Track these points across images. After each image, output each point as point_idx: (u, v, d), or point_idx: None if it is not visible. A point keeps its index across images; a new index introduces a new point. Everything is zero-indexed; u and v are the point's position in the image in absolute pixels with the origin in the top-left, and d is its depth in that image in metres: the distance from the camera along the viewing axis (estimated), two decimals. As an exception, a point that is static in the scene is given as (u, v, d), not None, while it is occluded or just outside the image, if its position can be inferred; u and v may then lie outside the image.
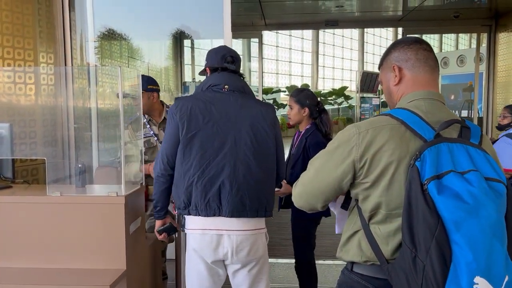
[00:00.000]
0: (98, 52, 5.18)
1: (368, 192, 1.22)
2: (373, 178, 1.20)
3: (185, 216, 1.95)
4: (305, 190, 1.32)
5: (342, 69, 32.57)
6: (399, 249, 1.16)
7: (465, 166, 1.10)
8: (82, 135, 3.98)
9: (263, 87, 9.12)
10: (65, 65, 3.75)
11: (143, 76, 2.88)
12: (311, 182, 1.31)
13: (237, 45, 14.91)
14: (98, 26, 4.82)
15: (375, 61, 31.28)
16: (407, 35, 1.37)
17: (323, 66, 30.98)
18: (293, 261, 2.96)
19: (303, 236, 2.83)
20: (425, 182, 1.07)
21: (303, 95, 2.84)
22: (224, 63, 2.05)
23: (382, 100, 15.27)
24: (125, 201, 1.96)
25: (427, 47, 1.32)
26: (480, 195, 1.05)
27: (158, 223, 2.12)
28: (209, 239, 1.91)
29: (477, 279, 1.00)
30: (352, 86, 29.11)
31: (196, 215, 1.92)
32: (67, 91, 3.72)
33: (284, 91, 23.51)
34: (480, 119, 8.28)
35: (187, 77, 7.14)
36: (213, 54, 2.11)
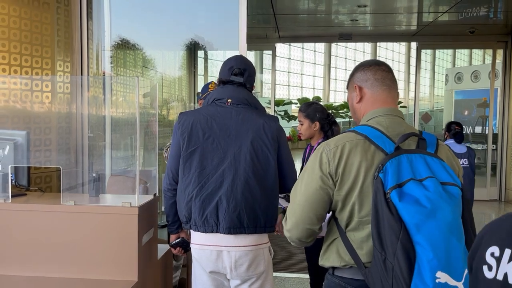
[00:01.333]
0: (113, 61, 5.24)
1: (343, 202, 1.34)
2: (346, 189, 1.32)
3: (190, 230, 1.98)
4: (300, 217, 1.38)
5: (354, 82, 32.46)
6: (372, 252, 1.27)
7: (423, 174, 1.23)
8: (96, 144, 4.01)
9: (275, 99, 9.12)
10: (81, 74, 3.79)
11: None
12: (302, 207, 1.37)
13: (249, 57, 15.01)
14: (113, 36, 4.88)
15: (387, 75, 31.15)
16: (371, 59, 1.50)
17: (335, 79, 30.97)
18: (302, 275, 2.91)
19: (317, 250, 2.79)
20: (388, 191, 1.20)
21: (312, 109, 2.80)
22: (230, 75, 2.02)
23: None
24: (139, 212, 1.95)
25: (386, 68, 1.46)
26: (436, 198, 1.18)
27: (171, 238, 2.13)
28: (209, 254, 1.92)
29: (439, 273, 1.12)
30: (364, 99, 28.92)
31: (195, 231, 1.93)
32: (82, 99, 3.76)
33: (296, 103, 23.50)
34: (495, 135, 8.17)
35: (200, 88, 7.18)
36: (223, 65, 2.09)
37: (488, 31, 7.77)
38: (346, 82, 1.58)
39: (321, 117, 2.78)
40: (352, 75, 1.51)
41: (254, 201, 1.89)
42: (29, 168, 2.16)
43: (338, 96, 30.34)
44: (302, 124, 2.81)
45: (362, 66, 1.49)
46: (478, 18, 6.82)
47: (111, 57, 5.08)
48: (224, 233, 1.88)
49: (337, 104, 25.68)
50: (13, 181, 2.11)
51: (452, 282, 1.13)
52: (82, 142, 3.85)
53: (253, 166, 1.90)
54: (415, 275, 1.14)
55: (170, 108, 6.89)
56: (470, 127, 10.76)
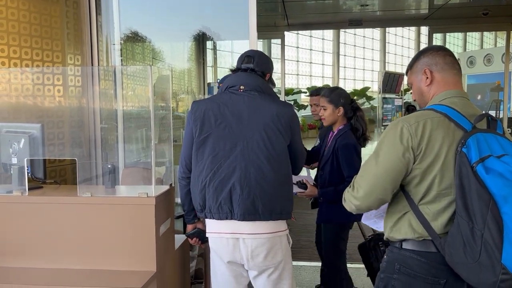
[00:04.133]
0: (122, 54, 5.22)
1: (422, 176, 1.40)
2: (428, 163, 1.39)
3: (205, 219, 1.99)
4: (374, 186, 1.43)
5: (364, 69, 32.20)
6: (448, 223, 1.38)
7: (498, 152, 1.32)
8: (109, 136, 4.01)
9: (285, 88, 9.07)
10: (92, 66, 3.79)
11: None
12: (379, 178, 1.43)
13: (258, 46, 14.90)
14: (122, 28, 4.85)
15: (397, 61, 30.81)
16: (432, 44, 1.59)
17: (344, 67, 30.69)
18: (319, 264, 2.90)
19: (332, 240, 2.76)
20: (474, 165, 1.29)
21: (336, 94, 2.74)
22: (241, 63, 2.06)
23: (404, 101, 15.01)
24: (155, 202, 1.93)
25: (452, 54, 1.56)
26: None
27: (188, 228, 2.13)
28: (226, 242, 1.92)
29: None
30: (374, 86, 28.73)
31: (211, 218, 1.94)
32: (93, 92, 3.75)
33: (305, 92, 23.37)
34: (510, 119, 8.04)
35: (210, 79, 7.14)
36: (238, 57, 2.15)
37: (502, 13, 7.58)
38: (408, 66, 1.64)
39: (345, 102, 2.73)
40: (417, 59, 1.58)
41: (268, 187, 1.87)
42: (44, 160, 2.16)
43: (347, 83, 30.09)
44: (325, 109, 2.74)
45: (430, 51, 1.56)
46: (492, -1, 6.67)
47: (120, 50, 5.07)
48: (239, 220, 1.87)
49: (347, 92, 25.43)
50: (29, 174, 2.11)
51: None
52: (95, 135, 3.85)
53: (267, 152, 1.88)
54: (505, 242, 1.22)
55: (180, 100, 6.88)
56: (484, 111, 10.63)
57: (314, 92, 3.53)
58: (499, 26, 8.49)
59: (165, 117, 2.49)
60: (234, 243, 1.90)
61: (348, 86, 29.35)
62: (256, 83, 1.99)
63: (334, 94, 2.74)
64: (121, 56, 5.16)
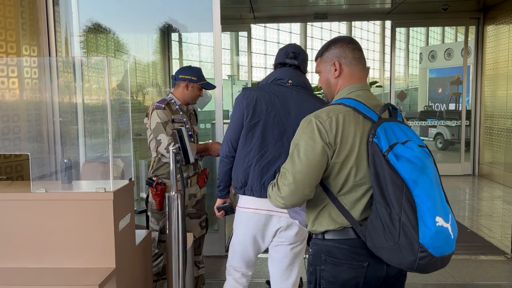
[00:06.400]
0: (84, 46, 5.06)
1: (340, 169, 1.46)
2: (344, 156, 1.45)
3: (240, 195, 2.19)
4: (298, 184, 1.46)
5: (330, 63, 32.50)
6: (364, 210, 1.46)
7: (402, 138, 1.41)
8: (68, 130, 3.88)
9: (252, 82, 9.05)
10: (50, 57, 3.65)
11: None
12: (303, 174, 1.46)
13: (224, 39, 14.77)
14: (83, 19, 4.70)
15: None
16: (342, 35, 1.62)
17: (311, 60, 30.93)
18: None
19: None
20: (385, 153, 1.37)
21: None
22: (286, 58, 2.21)
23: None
24: (114, 197, 1.89)
25: (360, 47, 1.61)
26: (421, 157, 1.38)
27: (218, 201, 2.35)
28: (259, 217, 2.15)
29: (437, 218, 1.31)
30: (340, 80, 29.02)
31: (250, 195, 2.13)
32: (52, 84, 3.62)
33: (273, 86, 23.39)
34: (468, 112, 8.32)
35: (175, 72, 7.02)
36: (279, 51, 2.28)
37: (461, 8, 7.83)
38: (318, 54, 1.67)
39: None
40: (328, 49, 1.62)
41: None
42: (-4, 156, 2.06)
43: (315, 77, 30.37)
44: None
45: (341, 42, 1.60)
46: (451, -5, 6.87)
47: (82, 41, 4.91)
48: None
49: (313, 85, 25.72)
50: (-21, 170, 2.02)
51: (445, 224, 1.32)
52: (53, 129, 3.72)
53: None
54: (420, 223, 1.30)
55: (146, 93, 6.74)
56: (444, 104, 10.96)
57: None
58: (458, 21, 8.76)
59: (126, 110, 2.43)
60: (267, 219, 2.14)
61: (315, 80, 29.63)
62: (302, 79, 2.20)
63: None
64: (84, 48, 5.00)
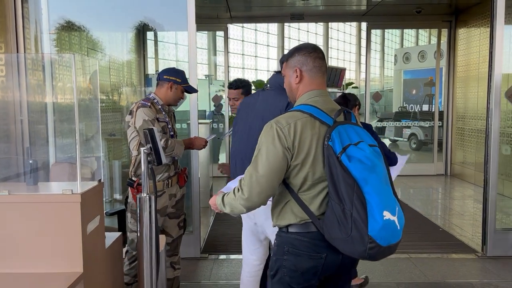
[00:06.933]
0: (57, 44, 4.93)
1: (298, 170, 1.61)
2: (301, 159, 1.60)
3: None
4: (265, 187, 1.60)
5: (307, 64, 32.71)
6: (321, 205, 1.62)
7: (355, 139, 1.56)
8: (38, 129, 3.77)
9: (229, 81, 8.98)
10: (18, 54, 3.53)
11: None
12: (267, 177, 1.59)
13: (202, 39, 14.66)
14: (56, 17, 4.58)
15: (339, 56, 31.66)
16: (307, 43, 1.74)
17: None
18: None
19: None
20: (338, 155, 1.52)
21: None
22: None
23: (346, 95, 15.45)
24: (81, 200, 1.83)
25: (322, 56, 1.76)
26: (372, 157, 1.54)
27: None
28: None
29: (384, 212, 1.49)
30: (317, 81, 29.23)
31: None
32: (20, 82, 3.50)
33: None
34: (440, 113, 8.50)
35: (151, 71, 6.92)
36: None
37: (433, 11, 7.99)
38: (284, 58, 1.80)
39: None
40: (292, 55, 1.76)
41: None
42: (-44, 157, 1.97)
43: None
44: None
45: (304, 50, 1.74)
46: (425, -2, 7.00)
47: (54, 39, 4.77)
48: None
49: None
50: None
51: (391, 217, 1.51)
52: (22, 129, 3.60)
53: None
54: (369, 217, 1.47)
55: (120, 93, 6.61)
56: (418, 105, 11.16)
57: (234, 85, 3.34)
58: (431, 24, 8.93)
59: (95, 110, 2.37)
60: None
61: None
62: (278, 80, 2.34)
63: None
64: (57, 46, 4.87)
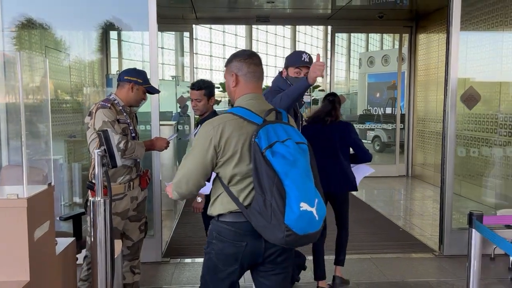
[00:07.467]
0: (17, 43, 4.74)
1: (226, 165, 1.80)
2: (227, 157, 1.78)
3: None
4: (190, 178, 1.82)
5: (275, 67, 33.00)
6: (247, 197, 1.79)
7: (283, 137, 1.73)
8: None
9: (192, 82, 8.89)
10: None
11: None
12: (193, 170, 1.81)
13: (169, 39, 14.47)
14: (16, 14, 4.41)
15: (307, 59, 31.94)
16: (245, 50, 1.92)
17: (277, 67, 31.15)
18: None
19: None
20: (263, 151, 1.68)
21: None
22: None
23: (313, 98, 15.65)
24: (28, 204, 1.74)
25: (257, 62, 1.93)
26: (295, 153, 1.70)
27: None
28: None
29: (301, 204, 1.64)
30: (285, 83, 29.44)
31: None
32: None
33: (218, 87, 23.31)
34: (402, 116, 8.72)
35: (114, 71, 6.77)
36: None
37: (395, 16, 8.20)
38: (226, 63, 1.97)
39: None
40: (231, 61, 1.93)
41: None
42: None
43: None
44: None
45: (240, 57, 1.91)
46: (387, 3, 7.16)
47: (14, 37, 4.59)
48: None
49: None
50: None
51: (309, 208, 1.66)
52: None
53: None
54: (286, 207, 1.63)
55: (82, 93, 6.43)
56: (382, 108, 11.42)
57: (196, 86, 3.27)
58: (393, 29, 9.17)
59: (46, 111, 2.28)
60: None
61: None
62: (274, 81, 2.86)
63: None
64: (17, 45, 4.68)
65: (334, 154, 3.23)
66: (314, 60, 2.49)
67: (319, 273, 3.27)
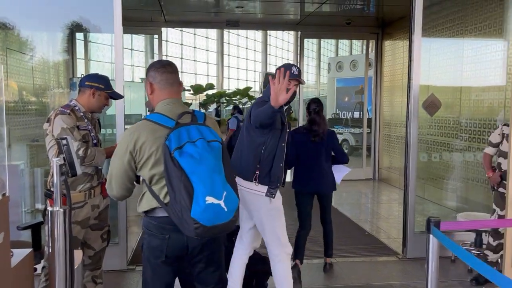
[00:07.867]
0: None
1: (145, 168, 1.98)
2: (144, 160, 1.96)
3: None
4: (118, 179, 2.02)
5: (247, 70, 33.07)
6: (167, 194, 1.89)
7: (196, 137, 1.86)
8: None
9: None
10: None
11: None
12: (118, 175, 2.01)
13: (139, 41, 14.28)
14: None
15: (277, 63, 32.25)
16: (161, 60, 2.29)
17: (228, 66, 31.15)
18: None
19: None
20: (172, 152, 1.81)
21: None
22: None
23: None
24: (-21, 216, 1.67)
25: (171, 70, 2.09)
26: (202, 152, 1.83)
27: None
28: (241, 194, 2.50)
29: (207, 197, 1.77)
30: (256, 86, 29.68)
31: None
32: None
33: (189, 90, 23.15)
34: (369, 120, 8.90)
35: (80, 73, 6.61)
36: None
37: (362, 23, 8.37)
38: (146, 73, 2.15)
39: None
40: (148, 71, 2.10)
41: None
42: None
43: (231, 83, 30.62)
44: None
45: (154, 67, 2.09)
46: (355, 10, 7.30)
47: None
48: None
49: (230, 91, 25.89)
50: None
51: (216, 201, 1.78)
52: None
53: None
54: (193, 202, 1.76)
55: (45, 96, 6.25)
56: (350, 112, 11.61)
57: None
58: (360, 35, 9.36)
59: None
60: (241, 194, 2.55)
61: (232, 86, 29.86)
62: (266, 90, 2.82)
63: None
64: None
65: (320, 159, 3.63)
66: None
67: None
